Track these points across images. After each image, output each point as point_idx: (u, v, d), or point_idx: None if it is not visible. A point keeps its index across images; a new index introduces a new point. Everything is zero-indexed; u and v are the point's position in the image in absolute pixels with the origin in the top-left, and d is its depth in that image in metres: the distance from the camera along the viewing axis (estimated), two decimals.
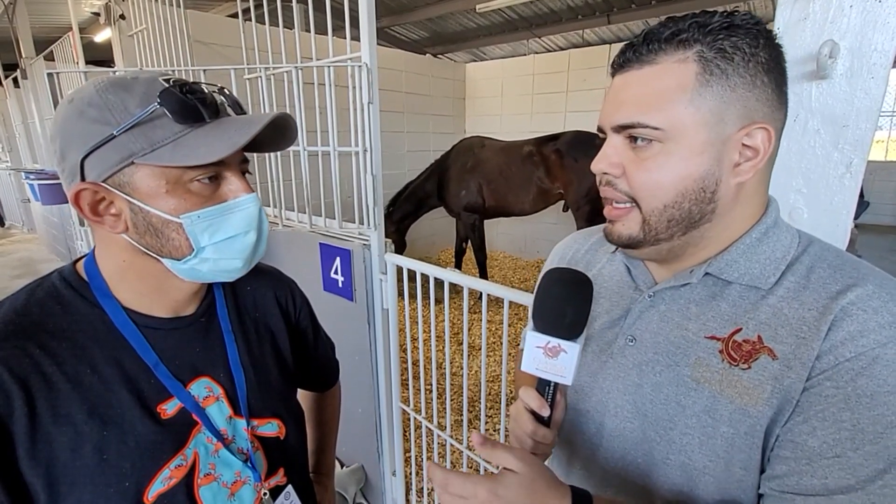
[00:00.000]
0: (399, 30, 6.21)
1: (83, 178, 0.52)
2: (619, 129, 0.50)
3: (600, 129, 0.54)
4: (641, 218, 0.51)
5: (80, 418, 0.51)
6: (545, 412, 0.55)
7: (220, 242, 0.57)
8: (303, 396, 0.89)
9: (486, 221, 4.26)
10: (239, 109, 0.59)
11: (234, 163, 0.57)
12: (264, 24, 1.67)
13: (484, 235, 4.23)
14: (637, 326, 0.57)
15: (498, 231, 5.70)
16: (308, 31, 1.49)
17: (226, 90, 0.59)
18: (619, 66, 0.51)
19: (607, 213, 0.55)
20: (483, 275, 4.20)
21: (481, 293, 1.28)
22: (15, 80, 5.47)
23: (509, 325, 1.22)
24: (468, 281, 1.32)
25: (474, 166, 4.07)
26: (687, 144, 0.47)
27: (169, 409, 0.58)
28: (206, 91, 0.55)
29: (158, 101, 0.50)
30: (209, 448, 0.60)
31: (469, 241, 4.25)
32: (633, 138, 0.49)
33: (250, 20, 1.68)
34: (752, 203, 0.52)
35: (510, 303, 1.21)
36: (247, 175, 0.61)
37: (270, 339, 0.73)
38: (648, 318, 0.57)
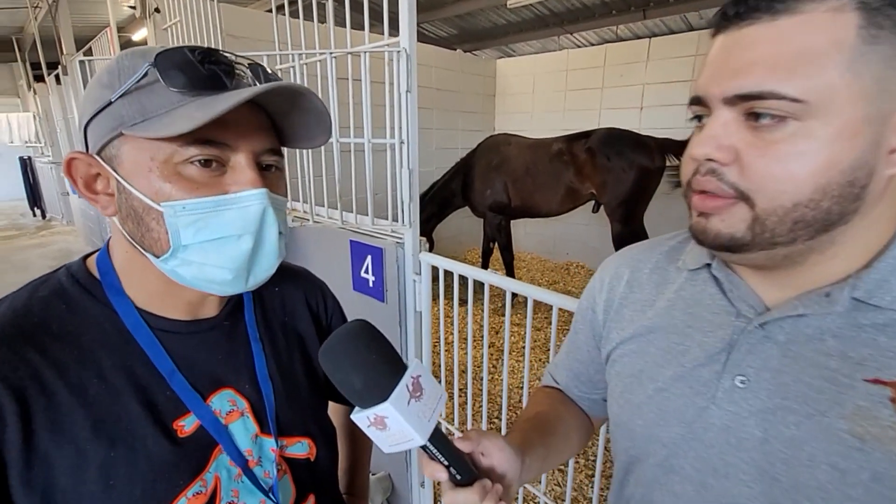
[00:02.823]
0: (428, 27, 6.15)
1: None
2: (737, 100, 0.39)
3: (698, 101, 0.42)
4: (752, 216, 0.40)
5: (84, 436, 0.44)
6: (442, 476, 0.48)
7: (207, 243, 0.46)
8: (334, 411, 0.81)
9: (513, 221, 4.12)
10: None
11: (247, 149, 0.47)
12: (298, 18, 1.60)
13: (510, 236, 4.10)
14: (749, 363, 0.45)
15: (526, 231, 5.56)
16: (343, 26, 1.43)
17: (259, 65, 0.50)
18: (735, 16, 0.39)
19: (698, 203, 0.43)
20: (510, 275, 4.08)
21: (526, 297, 1.18)
22: (57, 77, 5.65)
23: (558, 332, 1.12)
24: (511, 284, 1.22)
25: (500, 164, 3.92)
26: (837, 123, 0.36)
27: (187, 425, 0.50)
28: (228, 61, 0.46)
29: (153, 64, 0.43)
30: (232, 472, 0.52)
31: (496, 242, 4.13)
32: (756, 115, 0.38)
33: (284, 16, 1.62)
34: None
35: (559, 310, 1.10)
36: (274, 170, 0.51)
37: (300, 345, 0.65)
38: (765, 353, 0.45)
